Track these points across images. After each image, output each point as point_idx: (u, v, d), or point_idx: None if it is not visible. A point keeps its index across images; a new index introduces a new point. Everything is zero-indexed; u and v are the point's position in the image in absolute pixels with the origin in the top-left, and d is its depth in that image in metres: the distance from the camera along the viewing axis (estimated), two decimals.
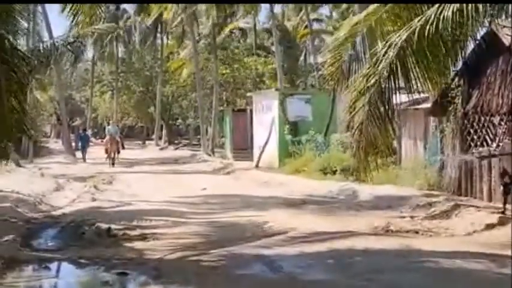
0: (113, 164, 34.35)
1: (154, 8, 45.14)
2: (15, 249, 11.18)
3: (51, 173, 27.26)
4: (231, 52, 49.50)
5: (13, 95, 12.68)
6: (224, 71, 48.19)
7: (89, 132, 65.85)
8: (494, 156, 14.71)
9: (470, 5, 10.63)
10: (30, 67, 14.41)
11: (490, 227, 12.78)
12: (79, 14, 14.15)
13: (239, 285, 9.15)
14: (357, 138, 11.98)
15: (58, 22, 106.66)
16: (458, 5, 10.69)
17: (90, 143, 56.26)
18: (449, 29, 11.13)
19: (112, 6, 53.91)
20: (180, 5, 42.08)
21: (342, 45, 13.89)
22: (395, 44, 11.32)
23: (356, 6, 28.06)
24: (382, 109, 11.66)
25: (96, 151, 43.00)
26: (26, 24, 14.84)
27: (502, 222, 12.89)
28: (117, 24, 54.78)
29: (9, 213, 14.69)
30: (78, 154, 40.56)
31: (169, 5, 43.61)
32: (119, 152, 35.86)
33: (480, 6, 10.81)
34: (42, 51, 15.59)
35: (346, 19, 45.11)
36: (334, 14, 53.85)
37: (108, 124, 42.21)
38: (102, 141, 52.42)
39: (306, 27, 48.39)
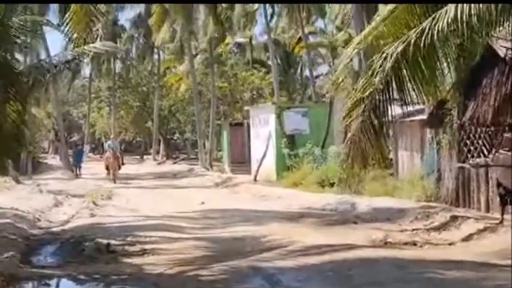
0: (114, 180, 33.66)
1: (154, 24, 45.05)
2: (14, 266, 11.18)
3: (49, 189, 27.27)
4: (229, 67, 49.63)
5: (12, 110, 12.76)
6: (221, 85, 48.32)
7: (87, 147, 65.89)
8: (488, 165, 14.76)
9: (465, 15, 10.69)
10: (29, 84, 14.49)
11: (487, 237, 12.84)
12: (74, 31, 14.20)
13: None
14: (350, 150, 12.01)
15: (54, 37, 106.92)
16: (452, 16, 10.76)
17: (87, 159, 56.33)
18: (444, 41, 11.21)
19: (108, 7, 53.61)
20: (177, 22, 42.15)
21: (347, 63, 13.92)
22: (391, 56, 11.38)
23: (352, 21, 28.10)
24: (376, 121, 11.70)
25: (94, 166, 43.01)
26: (23, 40, 14.83)
27: (499, 232, 12.94)
28: (115, 41, 55.00)
29: (9, 230, 14.67)
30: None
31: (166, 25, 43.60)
32: (119, 168, 35.26)
33: (473, 18, 10.87)
34: (40, 68, 15.64)
35: (341, 31, 45.43)
36: (329, 27, 53.99)
37: (108, 139, 41.72)
38: (100, 157, 52.36)
39: (300, 39, 48.52)
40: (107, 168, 34.76)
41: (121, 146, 45.69)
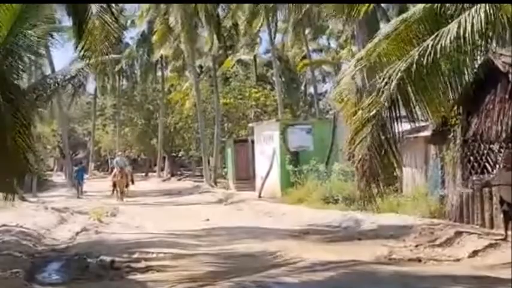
0: (122, 198, 32.97)
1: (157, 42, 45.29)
2: (20, 283, 11.19)
3: (54, 206, 27.31)
4: (234, 84, 49.79)
5: (17, 130, 12.84)
6: (227, 101, 48.45)
7: (91, 164, 65.86)
8: (489, 185, 14.72)
9: (467, 33, 10.78)
10: (32, 102, 14.57)
11: (491, 253, 12.84)
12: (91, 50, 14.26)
13: None
14: (360, 168, 12.06)
15: (59, 54, 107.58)
16: (455, 33, 10.85)
17: (92, 176, 56.27)
18: (447, 59, 11.29)
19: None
20: (181, 39, 42.32)
21: (349, 80, 14.00)
22: (395, 75, 11.45)
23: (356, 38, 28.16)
24: (383, 139, 11.77)
25: (99, 184, 42.98)
26: (28, 59, 14.94)
27: (503, 248, 12.95)
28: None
29: (14, 247, 14.72)
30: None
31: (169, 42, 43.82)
32: (127, 186, 34.58)
33: (475, 35, 10.97)
34: (44, 85, 15.71)
35: (344, 49, 45.61)
36: (332, 44, 54.22)
37: (116, 156, 40.88)
38: (105, 174, 52.22)
39: (304, 56, 48.74)
40: (114, 185, 33.97)
41: (129, 163, 45.28)
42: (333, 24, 44.52)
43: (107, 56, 14.67)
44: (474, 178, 16.14)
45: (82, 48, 14.01)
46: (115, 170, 34.78)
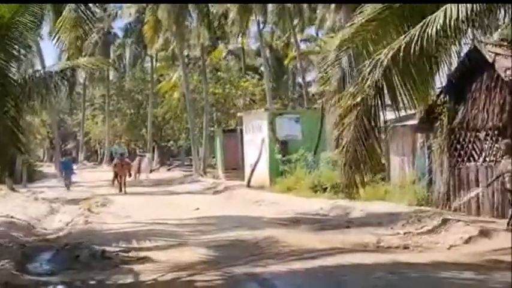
0: (121, 189, 31.98)
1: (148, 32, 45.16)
2: (10, 274, 11.21)
3: (45, 196, 27.32)
4: (223, 73, 49.79)
5: (7, 116, 12.89)
6: (216, 91, 48.45)
7: (81, 155, 65.65)
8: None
9: (453, 22, 10.86)
10: (25, 94, 14.58)
11: (478, 240, 12.97)
12: (66, 40, 14.33)
13: None
14: (344, 155, 12.13)
15: (48, 45, 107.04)
16: (441, 22, 10.93)
17: (82, 166, 56.04)
18: (433, 47, 11.36)
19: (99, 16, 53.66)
20: (170, 30, 42.23)
21: (330, 65, 14.01)
22: (381, 62, 11.52)
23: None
24: (368, 127, 11.84)
25: (89, 174, 42.81)
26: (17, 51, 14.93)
27: (490, 235, 13.09)
28: (108, 49, 55.20)
29: (4, 238, 14.74)
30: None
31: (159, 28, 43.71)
32: (130, 176, 33.96)
33: (461, 24, 11.05)
34: (35, 79, 15.69)
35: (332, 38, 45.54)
36: (320, 34, 54.24)
37: (115, 144, 39.69)
38: (94, 165, 51.99)
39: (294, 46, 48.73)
40: (116, 175, 32.73)
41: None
42: (321, 14, 44.56)
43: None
44: (467, 164, 16.03)
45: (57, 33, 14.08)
46: (115, 160, 33.79)
